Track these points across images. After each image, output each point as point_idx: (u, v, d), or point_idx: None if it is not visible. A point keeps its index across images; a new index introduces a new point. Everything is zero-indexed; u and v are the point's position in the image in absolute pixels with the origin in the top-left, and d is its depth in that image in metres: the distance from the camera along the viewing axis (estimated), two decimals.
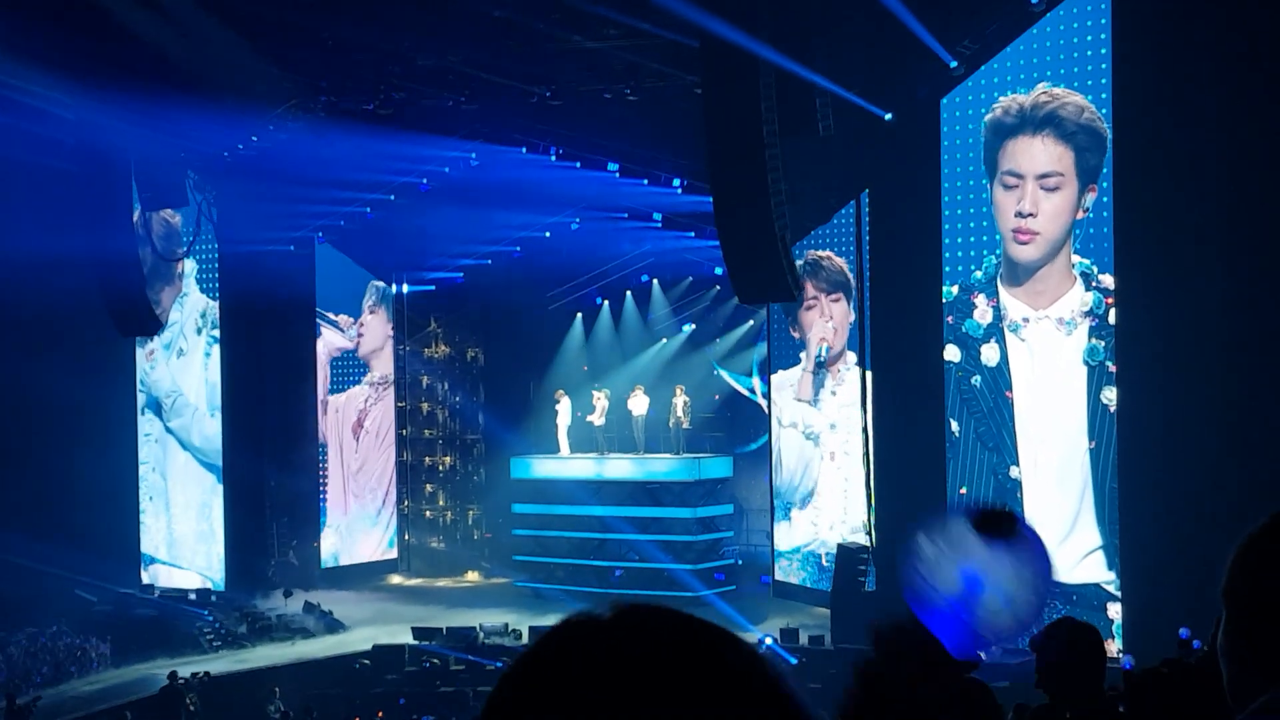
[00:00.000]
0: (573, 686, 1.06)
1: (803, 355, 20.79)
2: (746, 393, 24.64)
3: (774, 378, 21.51)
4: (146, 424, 24.59)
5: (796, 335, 20.86)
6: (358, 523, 25.64)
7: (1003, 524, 1.98)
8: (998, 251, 17.17)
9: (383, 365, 26.63)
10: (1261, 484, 13.69)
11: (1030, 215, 16.67)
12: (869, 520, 18.53)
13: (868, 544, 18.50)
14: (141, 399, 24.57)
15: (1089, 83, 16.41)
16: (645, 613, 1.10)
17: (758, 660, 1.09)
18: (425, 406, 27.51)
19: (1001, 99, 16.99)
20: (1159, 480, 15.66)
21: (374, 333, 26.46)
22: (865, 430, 18.67)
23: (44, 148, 19.24)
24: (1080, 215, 16.57)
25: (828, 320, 20.14)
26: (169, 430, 24.39)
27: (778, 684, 1.08)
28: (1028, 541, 1.99)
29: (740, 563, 23.45)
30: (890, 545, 18.11)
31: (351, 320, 26.00)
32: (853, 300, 19.63)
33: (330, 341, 25.61)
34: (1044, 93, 16.68)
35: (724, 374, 24.97)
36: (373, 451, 26.23)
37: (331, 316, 25.63)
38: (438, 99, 19.83)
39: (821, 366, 20.16)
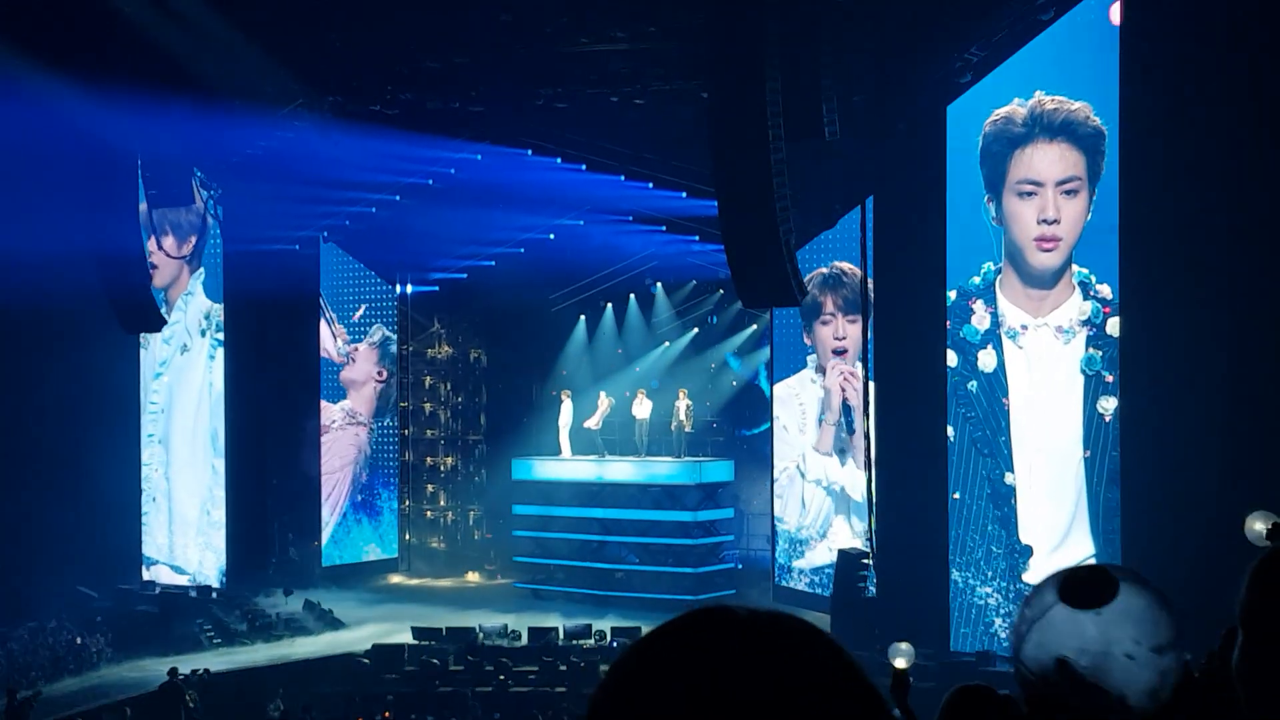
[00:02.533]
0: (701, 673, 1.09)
1: (818, 377, 20.69)
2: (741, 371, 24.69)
3: (777, 387, 21.48)
4: (150, 423, 24.61)
5: (808, 341, 20.84)
6: None
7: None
8: (997, 258, 17.18)
9: (361, 403, 26.03)
10: (1266, 496, 13.67)
11: (1055, 222, 16.72)
12: (870, 526, 18.54)
13: (868, 550, 18.50)
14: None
15: (1095, 92, 16.42)
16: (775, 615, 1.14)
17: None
18: (428, 407, 27.53)
19: (997, 110, 17.01)
20: (1161, 491, 15.65)
21: (360, 367, 26.00)
22: (867, 434, 18.69)
23: (50, 143, 19.27)
24: (1086, 218, 16.65)
25: (843, 340, 20.07)
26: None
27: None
28: None
29: (740, 567, 23.45)
30: (890, 551, 18.14)
31: (348, 337, 25.84)
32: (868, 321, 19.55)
33: (322, 341, 25.39)
34: (1047, 100, 16.70)
35: (729, 361, 24.92)
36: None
37: (331, 316, 25.51)
38: (444, 100, 19.86)
39: (851, 430, 20.03)
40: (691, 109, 18.23)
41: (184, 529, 24.30)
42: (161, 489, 24.52)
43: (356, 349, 25.92)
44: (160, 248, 23.14)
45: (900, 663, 6.18)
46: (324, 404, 25.31)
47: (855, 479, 19.79)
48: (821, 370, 20.54)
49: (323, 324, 25.31)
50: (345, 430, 25.74)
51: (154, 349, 24.40)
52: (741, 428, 24.42)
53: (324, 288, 25.11)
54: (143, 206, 21.47)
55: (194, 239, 23.92)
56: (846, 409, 20.13)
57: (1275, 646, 1.51)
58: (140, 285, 20.20)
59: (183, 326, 24.30)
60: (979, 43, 16.92)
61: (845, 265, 19.97)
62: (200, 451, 24.14)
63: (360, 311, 26.06)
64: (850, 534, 20.10)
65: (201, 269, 24.11)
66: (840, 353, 20.21)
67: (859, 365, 19.41)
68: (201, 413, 24.11)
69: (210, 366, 24.03)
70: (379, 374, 26.39)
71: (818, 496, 20.71)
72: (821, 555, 20.62)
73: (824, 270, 20.19)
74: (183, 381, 24.38)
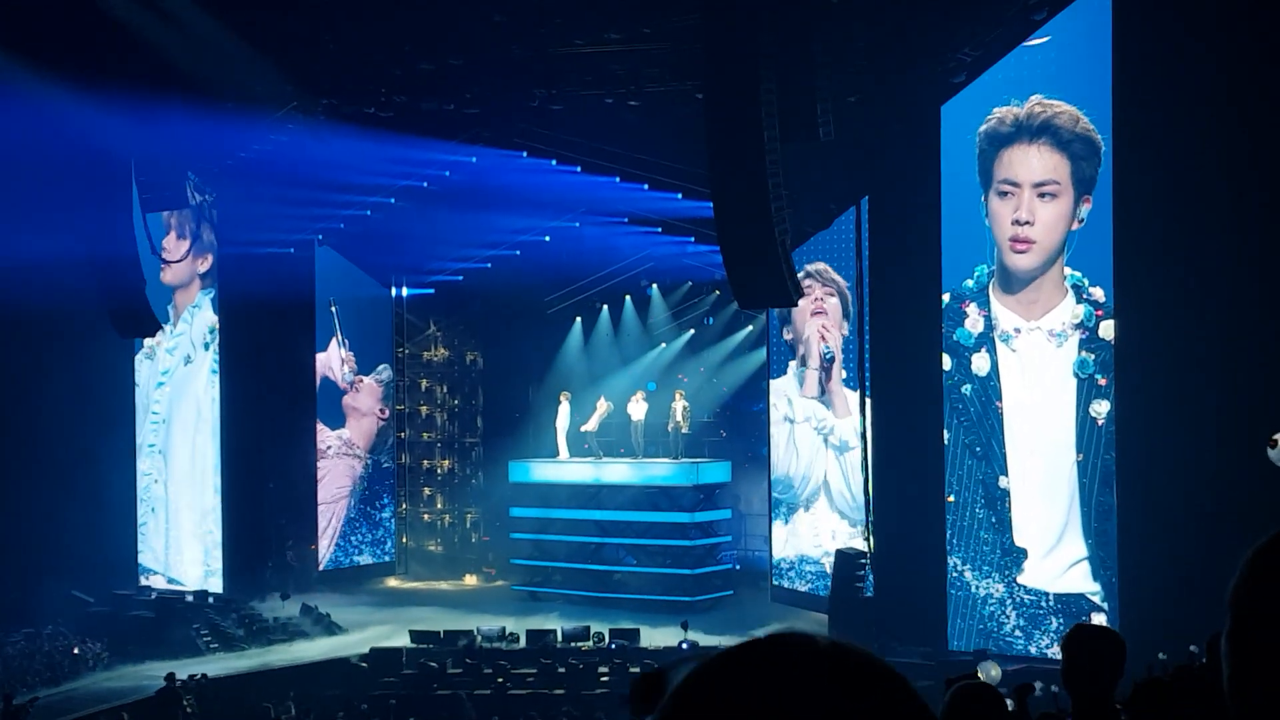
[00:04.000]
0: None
1: (800, 349, 20.75)
2: None
3: (772, 384, 21.50)
4: (151, 433, 24.51)
5: (789, 337, 20.88)
6: None
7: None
8: (990, 261, 17.19)
9: (360, 436, 25.80)
10: (1259, 498, 13.68)
11: (1027, 224, 16.71)
12: (868, 525, 18.55)
13: (866, 549, 18.51)
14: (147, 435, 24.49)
15: (1089, 94, 16.42)
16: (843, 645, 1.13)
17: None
18: (424, 409, 27.51)
19: (996, 110, 17.03)
20: (1157, 494, 15.66)
21: (364, 400, 25.85)
22: (864, 435, 18.70)
23: (45, 147, 19.22)
24: (1075, 226, 16.59)
25: (820, 302, 20.16)
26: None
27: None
28: None
29: (738, 568, 23.46)
30: (887, 551, 18.15)
31: (354, 365, 25.74)
32: (847, 307, 19.62)
33: (330, 360, 25.32)
34: (1039, 103, 16.71)
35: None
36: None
37: (344, 340, 25.41)
38: (439, 102, 19.84)
39: (830, 363, 20.11)
40: (687, 110, 18.21)
41: (180, 532, 24.22)
42: (160, 500, 24.41)
43: (361, 380, 25.79)
44: (156, 251, 23.04)
45: (993, 671, 6.30)
46: (321, 428, 25.11)
47: (838, 422, 19.86)
48: (827, 363, 20.55)
49: (333, 344, 25.21)
50: (341, 459, 25.54)
51: (158, 358, 24.33)
52: (746, 405, 24.39)
53: (331, 297, 25.06)
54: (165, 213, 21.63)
55: (210, 256, 23.84)
56: (826, 360, 20.22)
57: (1268, 630, 1.51)
58: (135, 290, 20.12)
59: (187, 338, 24.20)
60: (972, 43, 16.93)
61: (820, 265, 20.11)
62: (200, 463, 24.01)
63: (385, 374, 26.11)
64: (831, 501, 20.06)
65: (213, 288, 23.98)
66: (819, 313, 20.26)
67: (847, 369, 19.47)
68: (203, 425, 23.99)
69: (213, 381, 23.88)
70: (381, 411, 26.26)
71: (807, 436, 20.67)
72: (810, 532, 20.51)
73: (799, 275, 20.33)
74: (184, 393, 24.26)
